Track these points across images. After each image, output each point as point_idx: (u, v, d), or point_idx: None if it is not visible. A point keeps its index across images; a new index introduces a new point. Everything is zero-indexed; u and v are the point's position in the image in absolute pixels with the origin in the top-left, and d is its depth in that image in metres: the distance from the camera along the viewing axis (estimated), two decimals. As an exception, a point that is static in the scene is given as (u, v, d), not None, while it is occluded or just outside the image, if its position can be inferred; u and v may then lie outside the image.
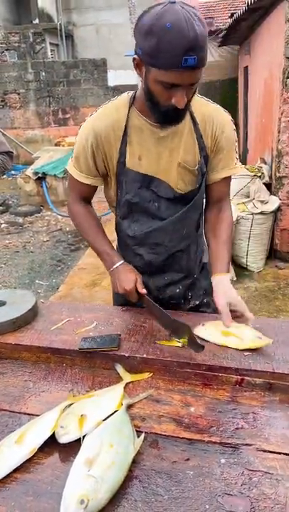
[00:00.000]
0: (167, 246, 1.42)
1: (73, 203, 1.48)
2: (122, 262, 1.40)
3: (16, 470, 0.92)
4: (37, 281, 4.45)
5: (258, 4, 4.22)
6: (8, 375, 1.23)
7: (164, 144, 1.30)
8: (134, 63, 1.15)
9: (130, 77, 10.32)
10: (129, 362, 1.21)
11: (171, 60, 1.03)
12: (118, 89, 10.11)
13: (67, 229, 6.08)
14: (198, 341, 1.18)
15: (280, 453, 0.93)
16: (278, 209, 4.01)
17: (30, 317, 1.40)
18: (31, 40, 10.77)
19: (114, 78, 10.52)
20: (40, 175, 7.28)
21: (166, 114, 1.19)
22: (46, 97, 10.24)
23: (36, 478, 0.91)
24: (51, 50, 11.94)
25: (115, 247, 1.51)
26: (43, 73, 10.11)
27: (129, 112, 1.29)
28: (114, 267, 1.39)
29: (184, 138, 1.30)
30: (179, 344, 1.23)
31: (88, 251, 4.93)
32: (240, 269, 3.98)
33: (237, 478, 0.88)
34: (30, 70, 10.08)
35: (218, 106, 1.35)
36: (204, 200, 1.46)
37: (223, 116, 1.34)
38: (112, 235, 1.50)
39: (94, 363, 1.24)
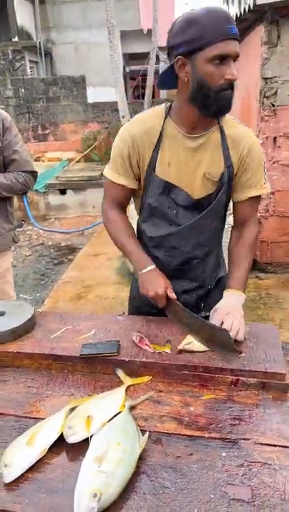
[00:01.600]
0: (183, 250, 1.48)
1: (109, 209, 1.52)
2: (153, 266, 1.42)
3: (27, 470, 0.96)
4: (21, 295, 4.44)
5: (234, 27, 4.41)
6: (11, 383, 1.26)
7: (193, 154, 1.37)
8: (176, 65, 1.24)
9: (109, 94, 10.50)
10: (129, 366, 1.26)
11: (220, 31, 1.16)
12: (97, 106, 10.26)
13: (50, 243, 6.10)
14: (235, 346, 1.22)
15: (276, 445, 1.00)
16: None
17: (29, 326, 1.44)
18: (10, 57, 10.84)
19: (93, 95, 10.66)
20: (21, 190, 7.28)
21: (220, 98, 1.24)
22: (26, 113, 10.29)
23: (47, 476, 0.95)
24: (30, 67, 12.03)
25: None
26: (23, 90, 10.17)
27: (164, 122, 1.37)
28: (146, 270, 1.40)
29: (211, 150, 1.38)
30: (168, 351, 1.29)
31: (72, 264, 4.96)
32: (222, 281, 4.08)
33: (238, 470, 0.94)
34: (9, 87, 10.14)
35: (248, 129, 1.43)
36: (225, 212, 1.51)
37: (251, 137, 1.41)
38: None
39: (95, 368, 1.29)
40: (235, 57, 1.21)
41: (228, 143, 1.38)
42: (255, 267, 4.33)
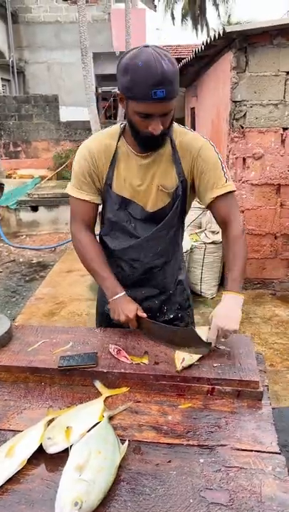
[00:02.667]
0: (143, 261, 1.53)
1: (77, 232, 1.54)
2: (123, 293, 1.47)
3: (7, 481, 0.95)
4: (-9, 313, 4.35)
5: (204, 53, 4.60)
6: (-12, 396, 1.25)
7: (146, 171, 1.44)
8: (118, 98, 1.33)
9: (81, 113, 10.61)
10: (107, 377, 1.28)
11: (143, 93, 1.21)
12: (70, 125, 10.34)
13: (21, 260, 6.02)
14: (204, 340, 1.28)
15: (251, 450, 1.03)
16: (228, 239, 4.25)
17: (5, 340, 1.43)
18: (-18, 74, 10.87)
19: (66, 114, 10.72)
20: (-9, 206, 7.21)
21: (146, 141, 1.35)
22: (-3, 130, 10.26)
23: (27, 487, 0.95)
24: (3, 85, 12.06)
25: None
26: (-6, 107, 10.16)
27: (118, 141, 1.44)
28: (116, 297, 1.46)
29: (163, 164, 1.44)
30: (146, 361, 1.32)
31: (45, 281, 4.92)
32: (195, 296, 4.13)
33: (216, 475, 0.97)
34: (-19, 104, 10.10)
35: (197, 133, 1.47)
36: (182, 222, 1.56)
37: (199, 141, 1.43)
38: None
39: (72, 380, 1.29)
40: (164, 114, 1.26)
41: (178, 153, 1.43)
42: (226, 283, 4.42)
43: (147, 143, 1.35)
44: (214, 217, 1.51)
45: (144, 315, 1.43)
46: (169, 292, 1.63)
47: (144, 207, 1.47)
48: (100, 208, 1.56)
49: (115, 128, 1.48)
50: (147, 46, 1.23)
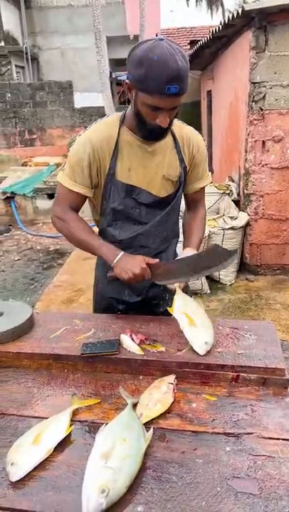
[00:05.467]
0: (151, 248, 1.56)
1: (62, 213, 1.53)
2: (122, 252, 1.45)
3: (33, 469, 0.95)
4: (10, 299, 4.40)
5: (222, 33, 4.48)
6: (12, 383, 1.26)
7: (151, 158, 1.47)
8: (125, 87, 1.34)
9: (96, 99, 10.52)
10: (130, 364, 1.27)
11: (157, 88, 1.23)
12: (84, 111, 10.28)
13: (38, 247, 6.06)
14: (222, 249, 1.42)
15: (279, 438, 1.01)
16: (247, 224, 4.19)
17: (28, 327, 1.43)
18: (-4, 62, 10.82)
19: (80, 100, 10.66)
20: (8, 194, 7.24)
21: (151, 132, 1.37)
22: (12, 118, 10.23)
23: (53, 474, 0.95)
24: (17, 72, 12.00)
25: None
26: (9, 94, 10.12)
27: (120, 129, 1.45)
28: (118, 258, 1.43)
29: (168, 154, 1.49)
30: (163, 348, 1.30)
31: (63, 268, 4.94)
32: (213, 283, 4.11)
33: (243, 463, 0.95)
34: (-5, 92, 10.08)
35: (192, 128, 1.58)
36: (181, 205, 1.64)
37: (197, 137, 1.57)
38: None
39: (95, 367, 1.29)
40: (173, 108, 1.30)
41: (179, 144, 1.51)
42: (245, 268, 4.37)
43: (153, 134, 1.39)
44: (186, 199, 1.71)
45: (155, 260, 1.44)
46: None
47: (151, 192, 1.50)
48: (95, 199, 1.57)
49: (115, 117, 1.49)
50: (162, 39, 1.24)
